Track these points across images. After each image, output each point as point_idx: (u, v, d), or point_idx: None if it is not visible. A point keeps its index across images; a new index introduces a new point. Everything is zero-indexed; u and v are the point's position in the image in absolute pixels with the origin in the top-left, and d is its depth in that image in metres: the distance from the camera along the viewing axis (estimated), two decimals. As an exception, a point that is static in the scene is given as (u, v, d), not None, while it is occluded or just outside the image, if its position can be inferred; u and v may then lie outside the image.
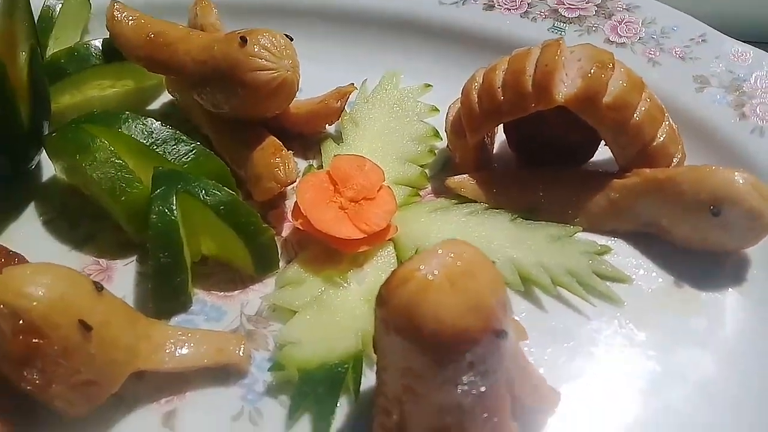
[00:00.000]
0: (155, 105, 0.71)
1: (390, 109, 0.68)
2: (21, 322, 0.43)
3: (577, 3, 0.72)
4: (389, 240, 0.58)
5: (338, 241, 0.56)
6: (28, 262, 0.52)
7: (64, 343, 0.44)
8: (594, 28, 0.70)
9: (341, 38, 0.75)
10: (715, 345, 0.53)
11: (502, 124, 0.64)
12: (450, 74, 0.68)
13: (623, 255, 0.59)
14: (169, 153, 0.59)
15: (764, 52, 0.66)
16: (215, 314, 0.56)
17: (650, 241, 0.59)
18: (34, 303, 0.43)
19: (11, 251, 0.52)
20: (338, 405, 0.50)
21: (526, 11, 0.72)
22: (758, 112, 0.62)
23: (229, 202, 0.55)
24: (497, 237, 0.58)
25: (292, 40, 0.62)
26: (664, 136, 0.58)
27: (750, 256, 0.58)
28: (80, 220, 0.61)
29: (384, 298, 0.41)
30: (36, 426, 0.48)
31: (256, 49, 0.59)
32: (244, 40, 0.59)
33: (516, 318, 0.54)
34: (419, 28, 0.74)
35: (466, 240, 0.55)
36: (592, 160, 0.63)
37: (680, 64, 0.66)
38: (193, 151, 0.60)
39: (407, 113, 0.68)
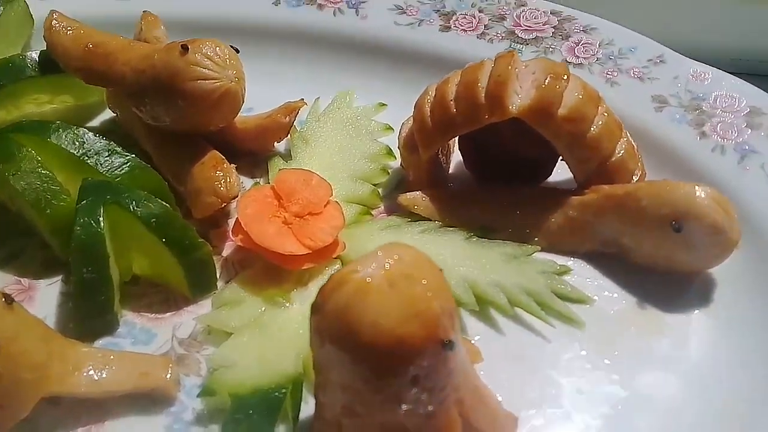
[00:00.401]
0: (95, 122, 0.68)
1: (342, 127, 0.65)
2: None
3: (533, 24, 0.71)
4: (336, 258, 0.54)
5: (281, 257, 0.52)
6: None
7: (-38, 365, 0.40)
8: (551, 49, 0.69)
9: (293, 58, 0.72)
10: (680, 368, 0.50)
11: (457, 143, 0.62)
12: (405, 94, 0.64)
13: (584, 276, 0.55)
14: (101, 165, 0.55)
15: (723, 72, 0.64)
16: (144, 337, 0.51)
17: (611, 262, 0.56)
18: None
19: None
20: (276, 432, 0.45)
21: (482, 32, 0.71)
22: (719, 130, 0.61)
23: (162, 214, 0.51)
24: (451, 255, 0.54)
25: (238, 51, 0.59)
26: (622, 151, 0.56)
27: (716, 277, 0.55)
28: (5, 236, 0.57)
29: (318, 304, 0.37)
30: None
31: (198, 58, 0.56)
32: (185, 48, 0.56)
33: (470, 340, 0.50)
34: (374, 48, 0.72)
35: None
36: (550, 179, 0.60)
37: (638, 84, 0.65)
38: (128, 164, 0.56)
39: (360, 132, 0.65)
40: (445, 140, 0.57)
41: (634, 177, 0.57)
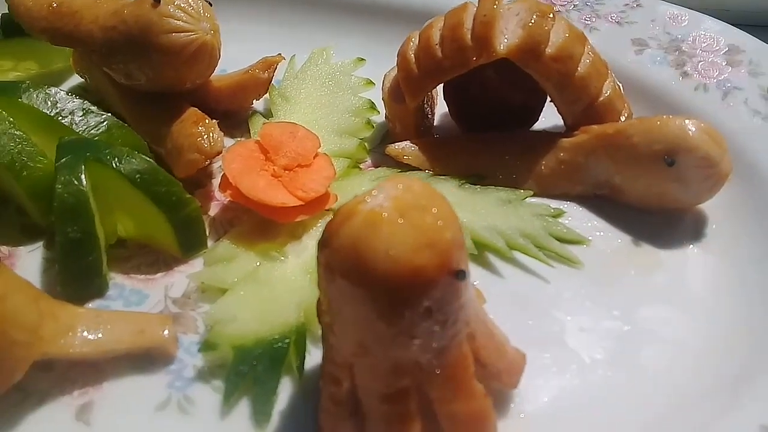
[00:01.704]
0: (63, 88, 0.64)
1: (321, 83, 0.64)
2: None
3: (509, -25, 0.71)
4: (329, 210, 0.53)
5: (273, 210, 0.51)
6: None
7: (-51, 323, 0.37)
8: (528, -1, 0.68)
9: (267, 16, 0.71)
10: (679, 300, 0.50)
11: (442, 94, 0.61)
12: (382, 49, 0.64)
13: (578, 218, 0.55)
14: (77, 125, 0.53)
15: (699, 14, 0.65)
16: (136, 298, 0.49)
17: (604, 204, 0.56)
18: None
19: None
20: (280, 385, 0.44)
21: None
22: (700, 69, 0.61)
23: (146, 169, 0.49)
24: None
25: (211, 5, 0.57)
26: (609, 91, 0.56)
27: (707, 212, 0.55)
28: None
29: (326, 240, 0.36)
30: None
31: (171, 10, 0.53)
32: (157, 0, 0.54)
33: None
34: (348, 4, 0.70)
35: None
36: (537, 125, 0.60)
37: (617, 28, 0.65)
38: (105, 123, 0.54)
39: (340, 87, 0.64)
40: (432, 86, 0.56)
41: (622, 117, 0.57)
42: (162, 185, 0.49)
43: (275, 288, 0.48)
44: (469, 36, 0.53)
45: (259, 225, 0.52)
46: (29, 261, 0.51)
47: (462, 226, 0.50)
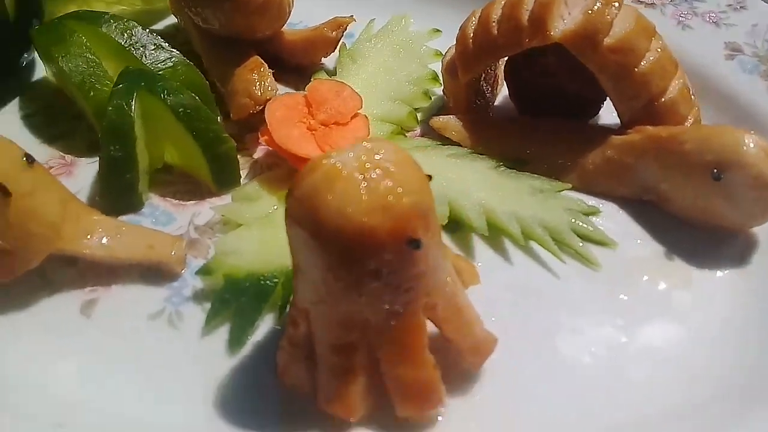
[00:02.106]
0: (160, 26, 0.70)
1: (392, 49, 0.64)
2: (-64, 173, 0.42)
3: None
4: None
5: (299, 160, 0.52)
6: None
7: (-22, 204, 0.43)
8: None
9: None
10: (693, 325, 0.47)
11: (504, 74, 0.59)
12: (461, 21, 0.63)
13: (614, 220, 0.53)
14: (146, 57, 0.57)
15: (811, 25, 0.59)
16: (164, 219, 0.53)
17: (646, 210, 0.53)
18: (-48, 158, 0.42)
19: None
20: (261, 320, 0.46)
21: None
22: (793, 85, 0.55)
23: (190, 105, 0.52)
24: (474, 181, 0.53)
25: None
26: (675, 92, 0.52)
27: (755, 239, 0.50)
28: (58, 118, 0.61)
29: (291, 189, 0.37)
30: None
31: (245, -39, 0.57)
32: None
33: (474, 263, 0.49)
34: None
35: (439, 180, 0.52)
36: (595, 119, 0.57)
37: (713, 29, 0.60)
38: (172, 59, 0.58)
39: (409, 56, 0.64)
40: (484, 63, 0.55)
41: (687, 122, 0.53)
42: (202, 122, 0.52)
43: (281, 232, 0.49)
44: (527, 17, 0.52)
45: (288, 173, 0.54)
46: (85, 172, 0.56)
47: (482, 205, 0.51)
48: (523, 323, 0.47)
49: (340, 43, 0.63)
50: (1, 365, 0.43)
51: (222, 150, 0.53)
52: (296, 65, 0.65)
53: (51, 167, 0.56)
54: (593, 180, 0.54)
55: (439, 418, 0.42)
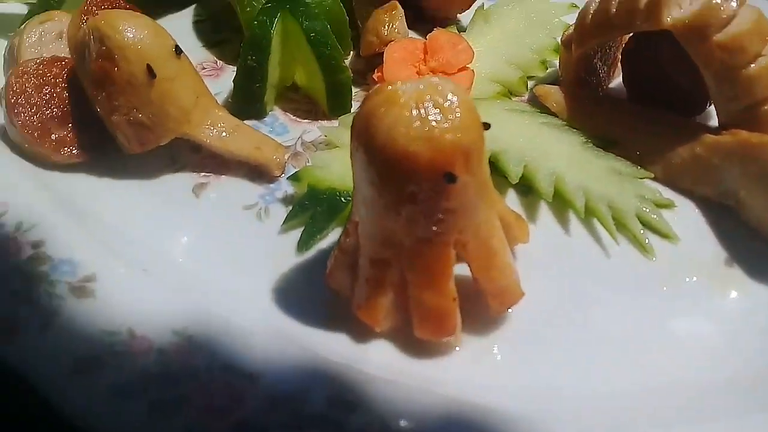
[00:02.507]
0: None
1: (526, 16, 0.67)
2: (103, 48, 0.51)
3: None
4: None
5: (401, 99, 0.58)
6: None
7: (129, 78, 0.52)
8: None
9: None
10: (731, 329, 0.47)
11: (620, 57, 0.60)
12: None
13: (686, 217, 0.53)
14: (301, -15, 0.65)
15: None
16: (280, 130, 0.61)
17: (722, 215, 0.53)
18: (117, 36, 0.51)
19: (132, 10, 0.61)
20: (329, 230, 0.52)
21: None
22: None
23: (321, 32, 0.59)
24: (557, 151, 0.55)
25: None
26: (783, 103, 0.51)
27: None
28: (221, 27, 0.70)
29: (359, 106, 0.43)
30: (101, 159, 0.56)
31: None
32: None
33: (531, 225, 0.52)
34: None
35: (523, 143, 0.55)
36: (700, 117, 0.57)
37: None
38: (322, -13, 0.65)
39: (541, 25, 0.66)
40: (597, 40, 0.57)
41: (790, 137, 0.52)
42: (328, 49, 0.59)
43: (368, 158, 0.56)
44: (645, 0, 0.53)
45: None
46: (230, 77, 0.64)
47: (555, 173, 0.54)
48: (560, 287, 0.49)
49: (476, 1, 0.67)
50: (121, 220, 0.52)
51: (339, 78, 0.60)
52: (433, 17, 0.69)
53: (204, 68, 0.66)
54: (677, 175, 0.54)
55: (457, 348, 0.46)
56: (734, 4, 0.51)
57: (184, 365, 0.39)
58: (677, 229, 0.52)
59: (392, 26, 0.62)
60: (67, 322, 0.41)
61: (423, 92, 0.40)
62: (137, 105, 0.53)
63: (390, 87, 0.41)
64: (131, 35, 0.52)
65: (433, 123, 0.40)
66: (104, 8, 0.60)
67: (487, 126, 0.43)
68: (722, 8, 0.50)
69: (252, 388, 0.39)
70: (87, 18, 0.57)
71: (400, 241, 0.43)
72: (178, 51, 0.54)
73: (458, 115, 0.40)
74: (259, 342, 0.42)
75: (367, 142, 0.41)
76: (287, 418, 0.38)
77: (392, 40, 0.62)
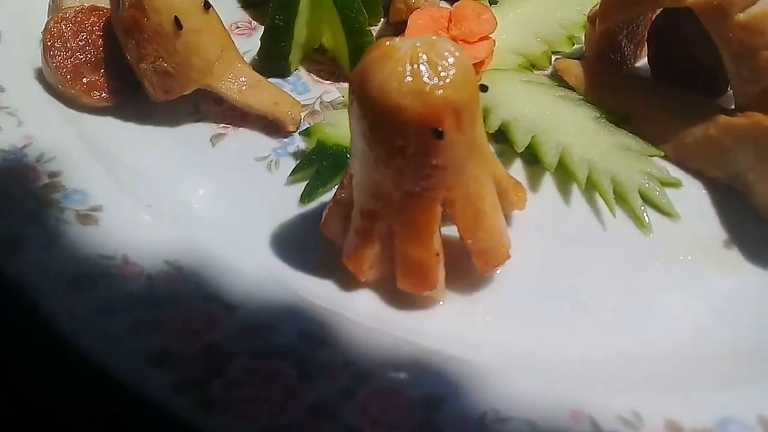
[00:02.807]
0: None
1: (563, -9, 0.67)
2: (135, -1, 0.55)
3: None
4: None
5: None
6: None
7: (157, 28, 0.55)
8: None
9: None
10: (718, 307, 0.47)
11: (647, 36, 0.59)
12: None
13: (690, 197, 0.53)
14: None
15: None
16: (301, 89, 0.62)
17: (730, 198, 0.52)
18: (149, -14, 0.54)
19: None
20: (333, 185, 0.54)
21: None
22: None
23: (349, -5, 0.61)
24: (568, 124, 0.55)
25: None
26: (803, 87, 0.50)
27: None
28: None
29: (360, 61, 0.44)
30: (128, 104, 0.59)
31: None
32: None
33: (530, 192, 0.52)
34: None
35: (536, 117, 0.55)
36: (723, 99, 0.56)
37: None
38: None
39: (574, 1, 0.66)
40: (621, 15, 0.56)
41: (808, 123, 0.50)
42: (353, 12, 0.60)
43: (379, 120, 0.57)
44: (669, -24, 0.52)
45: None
46: (259, 34, 0.66)
47: (562, 145, 0.54)
48: (551, 255, 0.50)
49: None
50: (138, 161, 0.55)
51: (361, 42, 0.61)
52: (467, -11, 0.70)
53: (238, 27, 0.68)
54: (688, 154, 0.54)
55: (440, 303, 0.47)
56: (758, -18, 0.49)
57: (169, 291, 0.42)
58: (681, 208, 0.51)
59: (420, -5, 0.63)
60: (68, 244, 0.44)
61: (419, 49, 0.41)
62: (163, 54, 0.56)
63: (388, 43, 0.42)
64: (163, -14, 0.55)
65: (425, 79, 0.41)
66: (145, -37, 0.63)
67: (484, 88, 0.44)
68: (746, -13, 0.49)
69: (228, 316, 0.41)
70: (128, -30, 0.60)
71: (389, 194, 0.45)
72: (206, 5, 0.57)
73: (451, 73, 0.41)
74: (246, 279, 0.44)
75: (361, 95, 0.42)
76: (256, 345, 0.39)
77: (418, 8, 0.62)
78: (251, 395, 0.37)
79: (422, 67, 0.41)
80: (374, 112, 0.42)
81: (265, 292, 0.44)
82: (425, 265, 0.46)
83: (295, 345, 0.40)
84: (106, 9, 0.60)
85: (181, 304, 0.41)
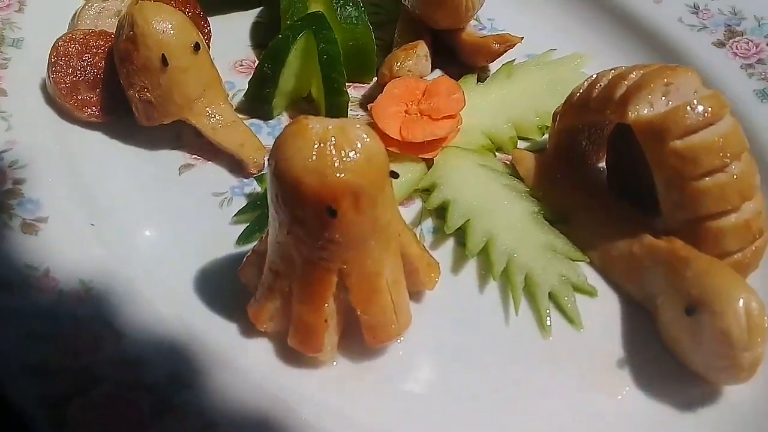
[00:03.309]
0: None
1: (549, 81, 0.68)
2: (131, 32, 0.59)
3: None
4: (422, 160, 0.61)
5: (380, 131, 0.61)
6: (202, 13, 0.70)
7: (145, 62, 0.60)
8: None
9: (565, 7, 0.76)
10: (590, 428, 0.47)
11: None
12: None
13: (601, 309, 0.54)
14: (341, 10, 0.69)
15: None
16: (277, 133, 0.65)
17: (640, 317, 0.52)
18: (144, 24, 0.59)
19: (192, 4, 0.69)
20: (268, 233, 0.57)
21: (749, 64, 0.65)
22: None
23: (333, 56, 0.64)
24: (504, 215, 0.57)
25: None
26: (728, 224, 0.50)
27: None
28: (275, 33, 0.75)
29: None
30: (116, 124, 0.64)
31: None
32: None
33: (437, 263, 0.54)
34: (641, 31, 0.71)
35: (476, 201, 0.57)
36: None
37: None
38: (358, 19, 0.69)
39: (559, 93, 0.66)
40: (576, 119, 0.58)
41: (731, 259, 0.50)
42: (334, 72, 0.64)
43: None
44: (621, 91, 0.53)
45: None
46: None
47: (490, 235, 0.55)
48: (449, 338, 0.52)
49: (501, 56, 0.69)
50: (103, 178, 0.59)
51: (338, 100, 0.64)
52: (465, 62, 0.72)
53: (241, 65, 0.73)
54: (610, 266, 0.54)
55: (334, 363, 0.50)
56: (704, 114, 0.50)
57: (70, 309, 0.46)
58: (588, 318, 0.52)
59: (404, 64, 0.66)
60: (3, 249, 0.49)
61: (330, 132, 0.44)
62: (149, 86, 0.61)
63: (305, 121, 0.45)
64: (155, 26, 0.59)
65: (328, 161, 0.43)
66: (161, -1, 0.68)
67: (394, 175, 0.46)
68: (687, 116, 0.49)
69: (113, 343, 0.45)
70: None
71: (292, 257, 0.48)
72: (196, 47, 0.61)
73: (355, 157, 0.44)
74: (147, 311, 0.49)
75: (274, 163, 0.45)
76: (126, 375, 0.43)
77: (398, 76, 0.65)
78: (102, 421, 0.41)
79: (329, 149, 0.44)
80: (280, 181, 0.45)
81: (158, 327, 0.48)
82: (313, 328, 0.48)
83: (160, 384, 0.44)
84: (113, 35, 0.65)
85: (76, 323, 0.46)
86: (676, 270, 0.49)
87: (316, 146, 0.44)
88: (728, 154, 0.49)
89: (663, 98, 0.51)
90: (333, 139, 0.44)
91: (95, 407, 0.42)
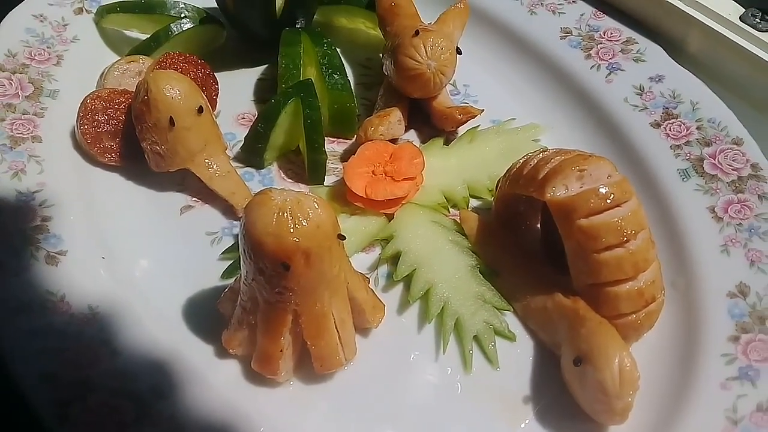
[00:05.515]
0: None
1: (506, 147, 0.77)
2: (146, 96, 0.71)
3: (729, 165, 0.71)
4: (381, 215, 0.72)
5: (347, 187, 0.72)
6: (211, 73, 0.81)
7: (156, 122, 0.71)
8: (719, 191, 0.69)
9: (535, 74, 0.85)
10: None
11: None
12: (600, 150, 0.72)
13: (518, 352, 0.63)
14: (330, 77, 0.81)
15: None
16: (267, 182, 0.77)
17: (552, 363, 0.62)
18: (157, 90, 0.70)
19: (203, 66, 0.81)
20: (252, 270, 0.68)
21: (678, 146, 0.74)
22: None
23: (315, 120, 0.74)
24: (445, 267, 0.67)
25: (460, 53, 0.77)
26: (622, 290, 0.59)
27: None
28: (269, 92, 0.87)
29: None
30: (132, 168, 0.76)
31: (417, 42, 0.76)
32: (416, 33, 0.76)
33: (383, 305, 0.64)
34: (595, 108, 0.80)
35: (424, 254, 0.68)
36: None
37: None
38: (341, 85, 0.80)
39: (510, 159, 0.76)
40: (510, 189, 0.67)
41: (626, 320, 0.59)
42: (315, 134, 0.75)
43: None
44: (544, 173, 0.63)
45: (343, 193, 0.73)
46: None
47: (431, 285, 0.65)
48: (384, 368, 0.62)
49: (464, 124, 0.79)
50: (116, 215, 0.71)
51: (317, 158, 0.75)
52: (436, 125, 0.82)
53: (243, 117, 0.84)
54: (529, 316, 0.64)
55: (290, 384, 0.61)
56: (607, 199, 0.59)
57: (78, 329, 0.58)
58: (505, 359, 0.62)
59: (378, 129, 0.76)
60: (30, 276, 0.61)
61: (288, 203, 0.55)
62: (158, 140, 0.72)
63: (269, 193, 0.56)
64: (165, 92, 0.71)
65: (284, 227, 0.54)
66: (176, 62, 0.80)
67: (342, 237, 0.57)
68: (592, 201, 0.59)
69: (110, 359, 0.57)
70: (158, 68, 0.78)
71: (257, 298, 0.59)
72: (200, 110, 0.73)
73: (305, 224, 0.54)
74: (141, 332, 0.60)
75: (243, 224, 0.56)
76: (117, 385, 0.55)
77: (371, 139, 0.76)
78: (96, 421, 0.52)
79: (285, 217, 0.54)
80: (246, 240, 0.56)
81: (148, 346, 0.59)
82: (271, 355, 0.59)
83: (143, 394, 0.55)
84: (132, 94, 0.77)
85: (82, 341, 0.57)
86: (573, 326, 0.59)
87: (275, 214, 0.55)
88: (626, 233, 0.58)
89: (577, 182, 0.61)
90: (290, 209, 0.55)
91: (91, 410, 0.53)
